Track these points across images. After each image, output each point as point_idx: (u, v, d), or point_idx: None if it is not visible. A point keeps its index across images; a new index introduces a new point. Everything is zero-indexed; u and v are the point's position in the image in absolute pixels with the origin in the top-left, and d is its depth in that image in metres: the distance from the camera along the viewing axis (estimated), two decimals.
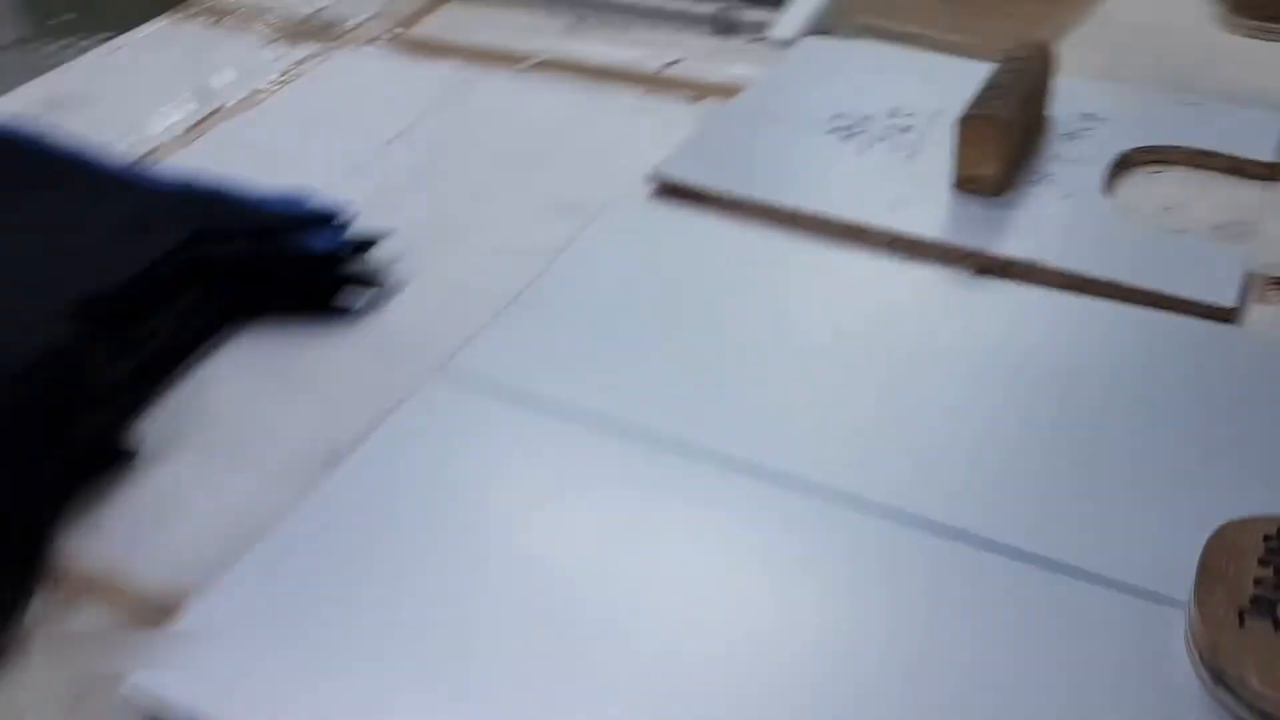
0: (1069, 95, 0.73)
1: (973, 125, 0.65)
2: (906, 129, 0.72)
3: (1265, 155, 0.69)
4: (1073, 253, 0.61)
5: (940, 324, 0.59)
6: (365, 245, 0.64)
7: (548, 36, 0.88)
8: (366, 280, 0.63)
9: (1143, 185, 0.69)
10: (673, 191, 0.70)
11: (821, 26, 0.94)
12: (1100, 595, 0.45)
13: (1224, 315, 0.58)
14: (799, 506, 0.49)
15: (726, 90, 0.80)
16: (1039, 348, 0.57)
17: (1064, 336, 0.58)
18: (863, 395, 0.55)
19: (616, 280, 0.63)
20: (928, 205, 0.66)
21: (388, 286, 0.63)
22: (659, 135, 0.75)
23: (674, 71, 0.83)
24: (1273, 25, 1.06)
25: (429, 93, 0.82)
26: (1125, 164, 0.69)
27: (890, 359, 0.57)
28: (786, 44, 0.89)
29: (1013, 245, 0.62)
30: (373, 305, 0.62)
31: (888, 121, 0.73)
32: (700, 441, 0.52)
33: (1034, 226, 0.64)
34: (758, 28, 0.92)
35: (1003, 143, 0.65)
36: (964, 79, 0.72)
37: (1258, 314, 0.58)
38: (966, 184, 0.66)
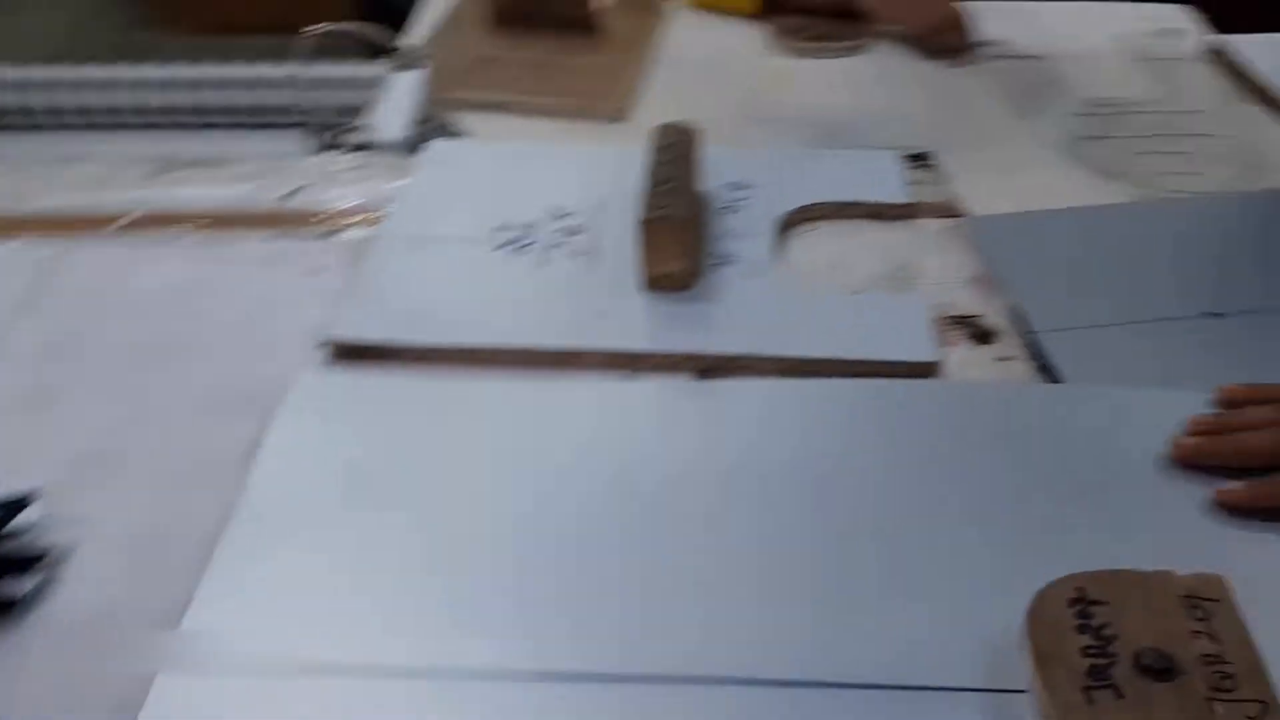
0: (713, 166, 0.74)
1: (655, 227, 0.63)
2: (576, 231, 0.70)
3: (896, 196, 0.74)
4: (779, 337, 0.62)
5: (681, 442, 0.57)
6: (8, 514, 0.52)
7: (132, 186, 0.76)
8: (23, 560, 0.51)
9: (807, 246, 0.71)
10: (352, 354, 0.63)
11: (420, 115, 0.90)
12: (939, 703, 0.46)
13: (928, 370, 0.61)
14: (592, 702, 0.46)
15: (363, 214, 0.73)
16: (780, 448, 0.57)
17: (799, 430, 0.58)
18: (626, 548, 0.52)
19: (323, 483, 0.55)
20: (627, 313, 0.64)
21: (53, 560, 0.52)
22: (308, 283, 0.67)
23: (297, 203, 0.75)
24: (814, 44, 1.15)
25: (6, 287, 0.68)
26: (785, 228, 0.71)
27: (640, 494, 0.54)
28: (402, 147, 0.84)
29: (723, 340, 0.62)
30: (42, 590, 0.50)
31: (554, 225, 0.71)
32: (471, 659, 0.47)
33: (735, 316, 0.64)
34: (363, 136, 0.86)
35: (685, 237, 0.64)
36: (609, 165, 0.71)
37: (953, 357, 0.62)
38: (657, 283, 0.65)
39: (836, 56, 1.14)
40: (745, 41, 1.17)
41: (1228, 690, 0.43)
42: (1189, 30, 1.15)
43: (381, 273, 0.67)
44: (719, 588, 0.50)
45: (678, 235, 0.64)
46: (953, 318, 0.65)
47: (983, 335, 0.64)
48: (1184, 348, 0.75)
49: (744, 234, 0.69)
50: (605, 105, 1.05)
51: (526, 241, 0.69)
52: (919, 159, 0.77)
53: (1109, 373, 0.69)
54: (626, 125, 1.04)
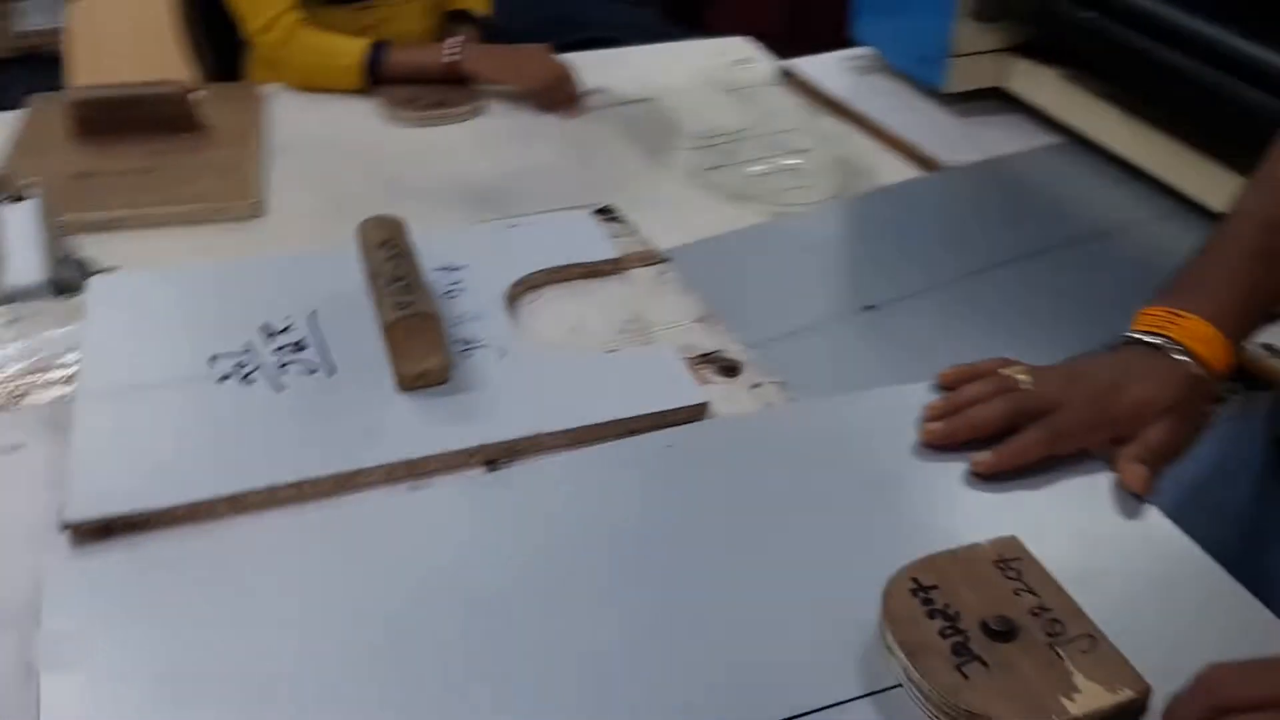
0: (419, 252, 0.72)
1: (404, 326, 0.61)
2: (299, 345, 0.66)
3: (603, 251, 0.76)
4: (554, 412, 0.62)
5: (487, 538, 0.56)
6: None
7: None
8: None
9: (539, 315, 0.72)
10: (100, 532, 0.55)
11: (49, 251, 0.80)
12: None
13: (698, 412, 0.64)
14: None
15: (39, 373, 0.64)
16: (587, 521, 0.57)
17: (600, 499, 0.58)
18: (461, 662, 0.49)
19: (125, 687, 0.48)
20: (393, 421, 0.61)
21: None
22: (6, 462, 0.58)
23: None
24: (430, 113, 1.16)
25: None
26: (511, 301, 0.71)
27: (457, 601, 0.52)
28: (46, 289, 0.74)
29: (500, 427, 0.61)
30: None
31: (273, 344, 0.66)
32: None
33: (503, 399, 0.63)
34: None
35: (435, 331, 0.62)
36: (303, 270, 0.69)
37: (713, 395, 0.65)
38: (413, 383, 0.63)
39: (456, 122, 1.15)
40: (359, 117, 1.15)
41: (1060, 634, 0.50)
42: (758, 58, 1.28)
43: (101, 434, 0.59)
44: (572, 673, 0.49)
45: (428, 331, 0.62)
46: (698, 357, 0.68)
47: (730, 368, 0.68)
48: (858, 340, 0.85)
49: (476, 316, 0.69)
50: (237, 205, 0.99)
51: (250, 368, 0.64)
52: (605, 212, 0.80)
53: (822, 375, 0.77)
54: (265, 221, 0.99)
